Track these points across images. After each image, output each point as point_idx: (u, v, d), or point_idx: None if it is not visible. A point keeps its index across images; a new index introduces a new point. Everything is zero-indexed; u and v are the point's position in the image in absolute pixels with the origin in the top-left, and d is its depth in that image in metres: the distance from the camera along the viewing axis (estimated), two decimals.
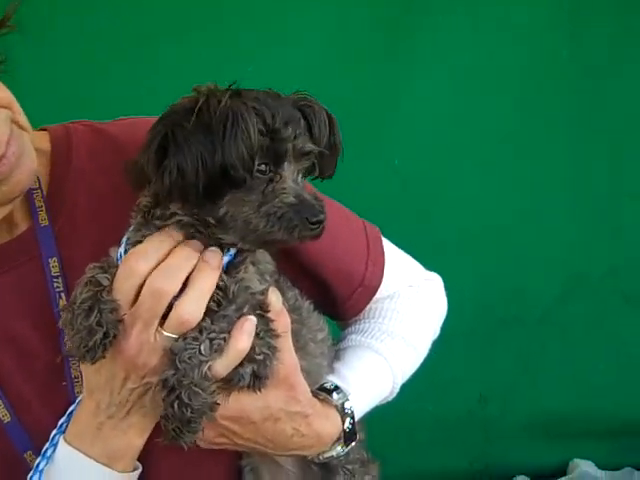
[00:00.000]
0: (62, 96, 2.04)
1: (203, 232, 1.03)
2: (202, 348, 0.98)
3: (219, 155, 0.93)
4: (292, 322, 1.12)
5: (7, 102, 1.06)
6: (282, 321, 1.08)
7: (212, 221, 1.01)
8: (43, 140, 1.22)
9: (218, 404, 1.01)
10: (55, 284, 1.16)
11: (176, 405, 0.96)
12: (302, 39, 2.28)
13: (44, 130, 1.25)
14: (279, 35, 2.25)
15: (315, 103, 1.06)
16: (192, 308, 1.00)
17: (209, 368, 0.98)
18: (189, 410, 0.97)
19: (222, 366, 1.00)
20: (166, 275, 1.00)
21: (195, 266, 1.02)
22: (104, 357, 1.00)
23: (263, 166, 0.99)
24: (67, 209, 1.18)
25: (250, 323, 1.02)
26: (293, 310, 1.17)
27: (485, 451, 2.51)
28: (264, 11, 2.23)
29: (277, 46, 2.24)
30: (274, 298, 1.07)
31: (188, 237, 1.04)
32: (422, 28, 2.35)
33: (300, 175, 1.03)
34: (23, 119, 1.10)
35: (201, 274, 1.01)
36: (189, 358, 0.97)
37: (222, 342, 1.00)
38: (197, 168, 0.94)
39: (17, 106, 1.08)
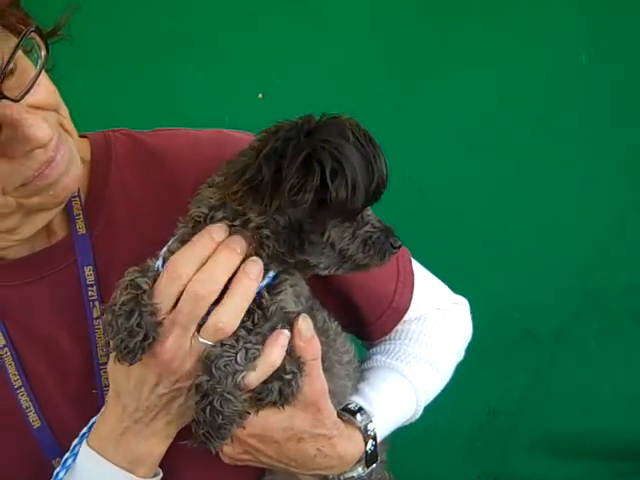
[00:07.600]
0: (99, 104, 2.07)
1: (269, 246, 1.01)
2: (238, 357, 0.99)
3: (371, 172, 0.95)
4: (320, 344, 1.12)
5: (56, 105, 1.05)
6: (312, 348, 1.09)
7: (305, 245, 1.01)
8: (84, 147, 1.21)
9: (249, 413, 1.03)
10: (89, 292, 1.17)
11: (208, 411, 0.98)
12: (320, 54, 2.33)
13: (84, 137, 1.24)
14: (295, 55, 2.32)
15: None
16: (229, 317, 1.00)
17: (243, 378, 0.99)
18: (220, 417, 0.98)
19: (254, 377, 1.01)
20: (205, 280, 1.00)
21: (235, 270, 1.01)
22: (141, 359, 1.01)
23: None
24: (105, 218, 1.19)
25: (284, 337, 1.04)
26: (322, 332, 1.17)
27: (493, 465, 2.53)
28: (277, 35, 2.34)
29: (295, 64, 2.31)
30: (304, 326, 1.07)
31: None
32: (441, 44, 2.37)
33: None
34: (69, 123, 1.09)
35: (240, 284, 1.01)
36: (225, 366, 0.98)
37: (257, 352, 1.01)
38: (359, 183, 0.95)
39: (64, 110, 1.07)
